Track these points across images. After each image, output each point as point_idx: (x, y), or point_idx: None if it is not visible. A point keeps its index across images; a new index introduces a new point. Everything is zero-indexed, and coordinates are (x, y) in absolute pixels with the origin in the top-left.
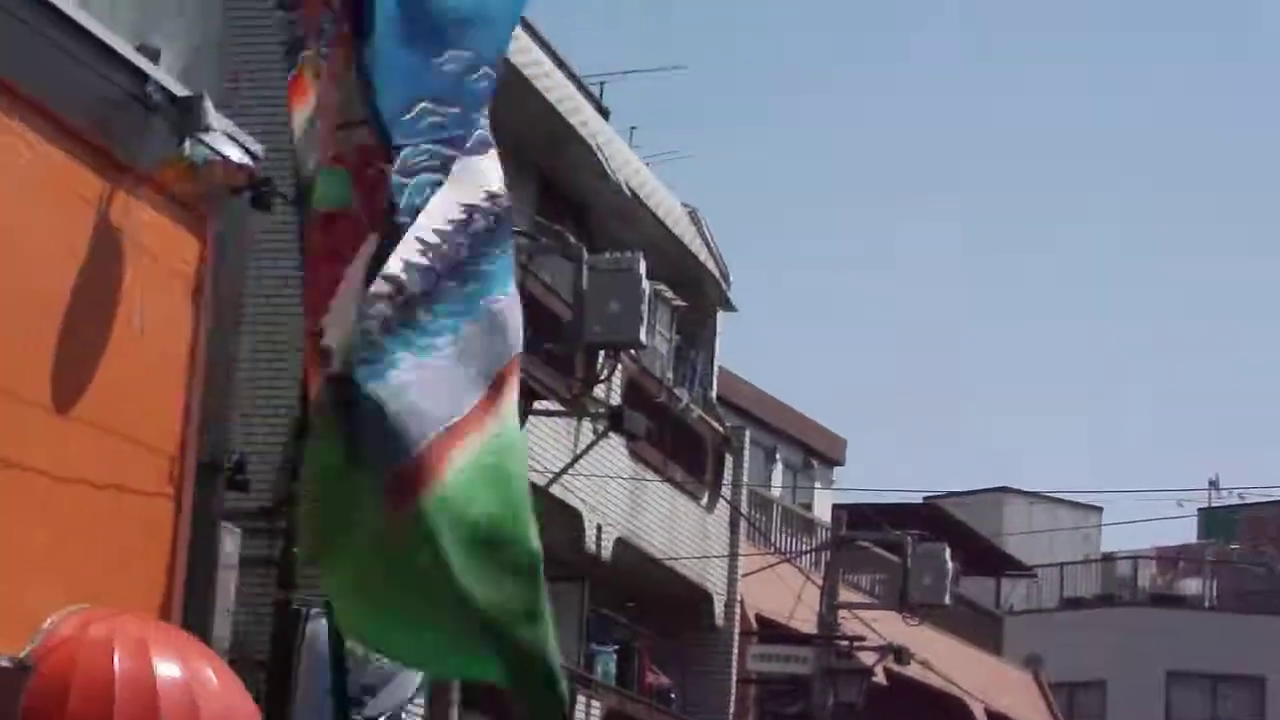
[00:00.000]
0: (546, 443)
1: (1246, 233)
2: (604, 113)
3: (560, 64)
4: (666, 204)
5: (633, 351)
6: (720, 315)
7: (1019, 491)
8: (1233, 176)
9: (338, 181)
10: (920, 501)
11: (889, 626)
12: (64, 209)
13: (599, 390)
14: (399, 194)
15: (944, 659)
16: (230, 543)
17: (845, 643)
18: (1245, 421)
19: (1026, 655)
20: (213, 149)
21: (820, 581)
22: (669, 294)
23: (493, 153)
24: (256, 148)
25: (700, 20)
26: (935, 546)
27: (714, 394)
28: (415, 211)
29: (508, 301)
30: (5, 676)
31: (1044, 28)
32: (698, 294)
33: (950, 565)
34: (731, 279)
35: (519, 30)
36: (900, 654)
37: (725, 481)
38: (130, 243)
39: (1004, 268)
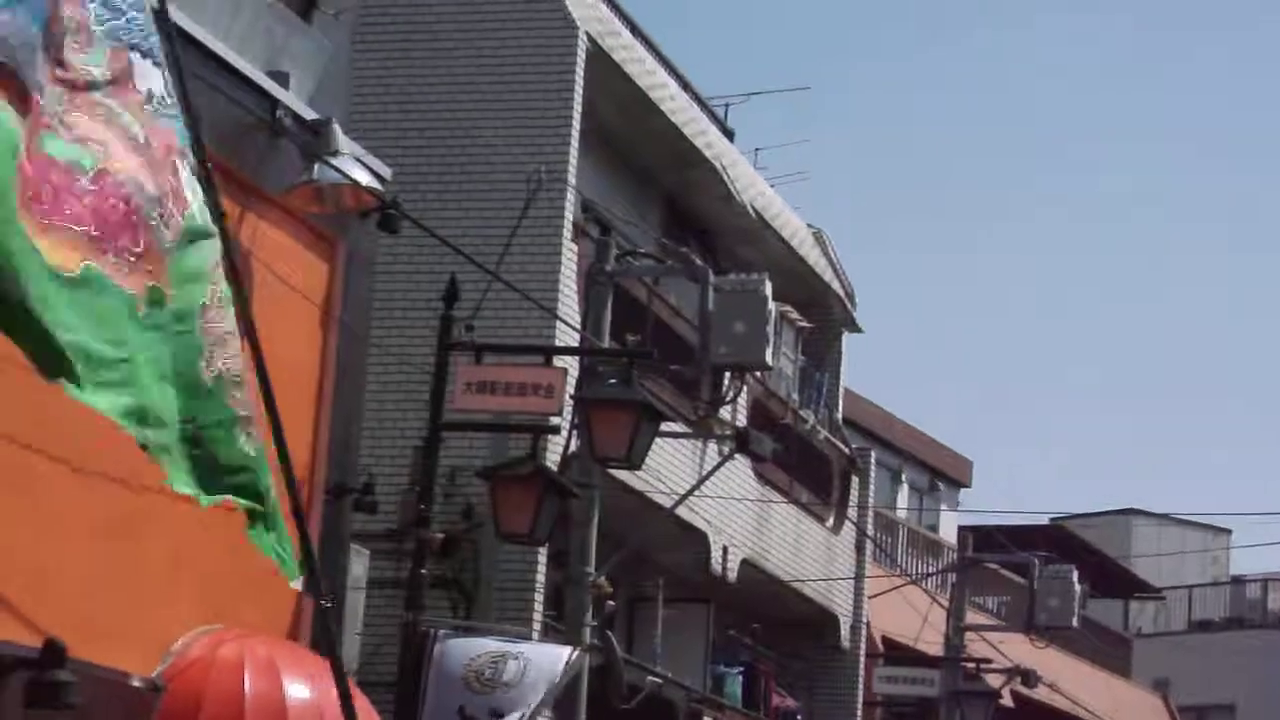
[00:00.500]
0: (673, 464)
1: None
2: (729, 134)
3: (685, 86)
4: (792, 225)
5: (758, 373)
6: (845, 336)
7: (1147, 513)
8: None
9: None
10: (1047, 523)
11: (1016, 649)
12: None
13: (724, 412)
14: None
15: (1071, 682)
16: (358, 564)
17: (972, 665)
18: None
19: (1155, 678)
20: (341, 172)
21: (946, 603)
22: (794, 315)
23: None
24: (384, 170)
25: (823, 40)
26: (1062, 568)
27: (839, 415)
28: None
29: None
30: (138, 696)
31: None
32: (823, 315)
33: (1077, 587)
34: (857, 299)
35: (644, 52)
36: (1027, 676)
37: (851, 503)
38: (260, 266)
39: (1134, 285)
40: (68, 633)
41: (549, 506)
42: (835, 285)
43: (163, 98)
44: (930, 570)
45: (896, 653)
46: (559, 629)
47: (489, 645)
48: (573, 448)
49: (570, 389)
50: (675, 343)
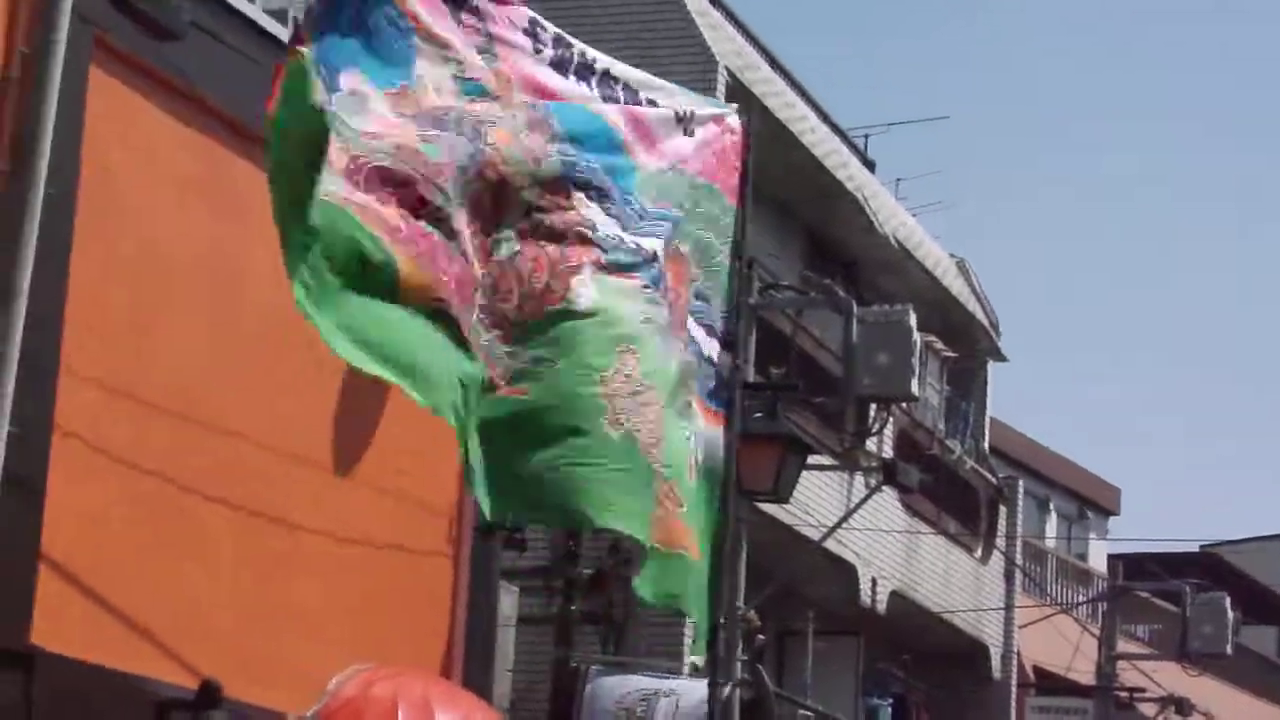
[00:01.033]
0: (820, 497)
1: None
2: (869, 165)
3: (825, 118)
4: (934, 255)
5: (904, 404)
6: (991, 365)
7: None
8: None
9: None
10: (1197, 550)
11: (1169, 677)
12: None
13: (871, 443)
14: None
15: (1226, 710)
16: (508, 601)
17: (1125, 694)
18: None
19: None
20: None
21: (1097, 632)
22: (939, 345)
23: None
24: None
25: (962, 69)
26: (1215, 595)
27: (986, 445)
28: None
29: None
30: None
31: None
32: (968, 344)
33: (1231, 614)
34: (1001, 328)
35: (783, 85)
36: (1182, 705)
37: (999, 533)
38: None
39: None
40: (223, 672)
41: None
42: (979, 314)
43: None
44: (1080, 599)
45: (1048, 682)
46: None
47: (640, 681)
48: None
49: None
50: (820, 375)
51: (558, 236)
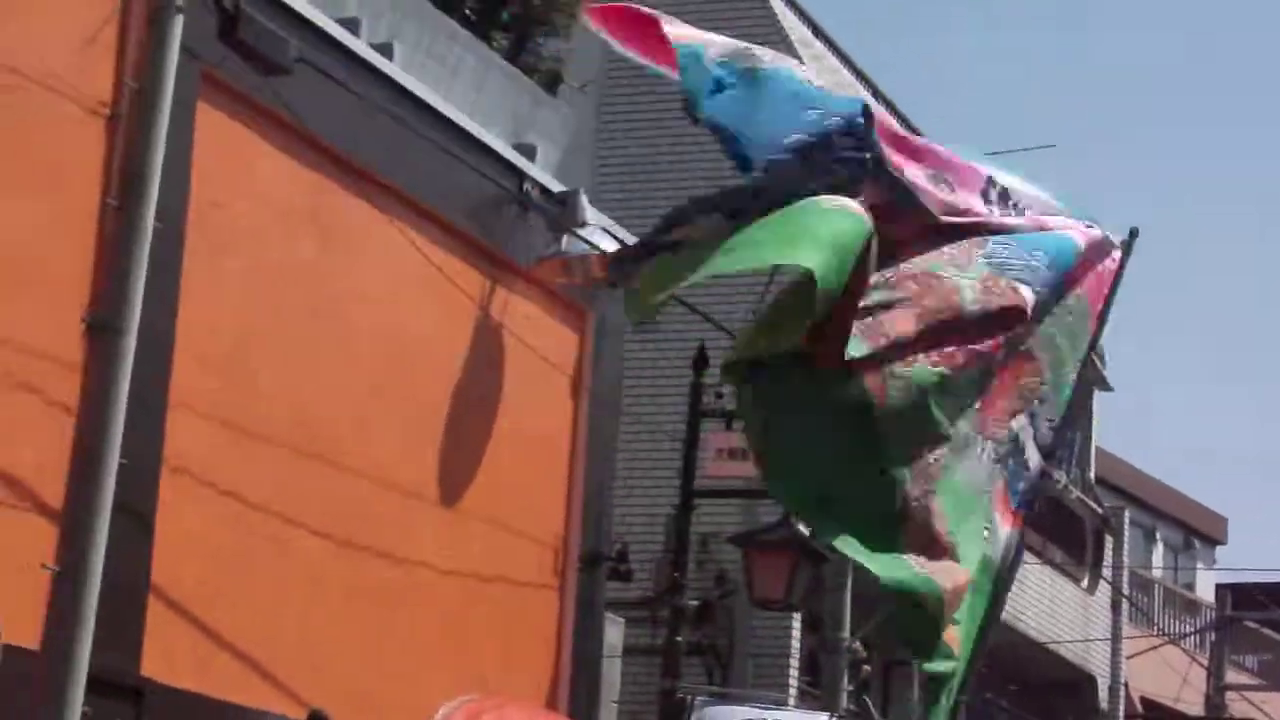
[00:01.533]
0: None
1: None
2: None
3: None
4: None
5: None
6: (1097, 394)
7: None
8: None
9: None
10: None
11: (1279, 708)
12: (447, 306)
13: None
14: None
15: None
16: (614, 632)
17: None
18: None
19: None
20: (588, 243)
21: (1206, 663)
22: None
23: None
24: (631, 240)
25: (1069, 91)
26: None
27: (1092, 474)
28: None
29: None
30: None
31: None
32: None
33: None
34: (1107, 358)
35: (887, 115)
36: None
37: (1105, 563)
38: (510, 337)
39: None
40: (330, 703)
41: (802, 572)
42: None
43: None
44: (1188, 629)
45: (1156, 713)
46: (815, 694)
47: (747, 713)
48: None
49: None
50: None
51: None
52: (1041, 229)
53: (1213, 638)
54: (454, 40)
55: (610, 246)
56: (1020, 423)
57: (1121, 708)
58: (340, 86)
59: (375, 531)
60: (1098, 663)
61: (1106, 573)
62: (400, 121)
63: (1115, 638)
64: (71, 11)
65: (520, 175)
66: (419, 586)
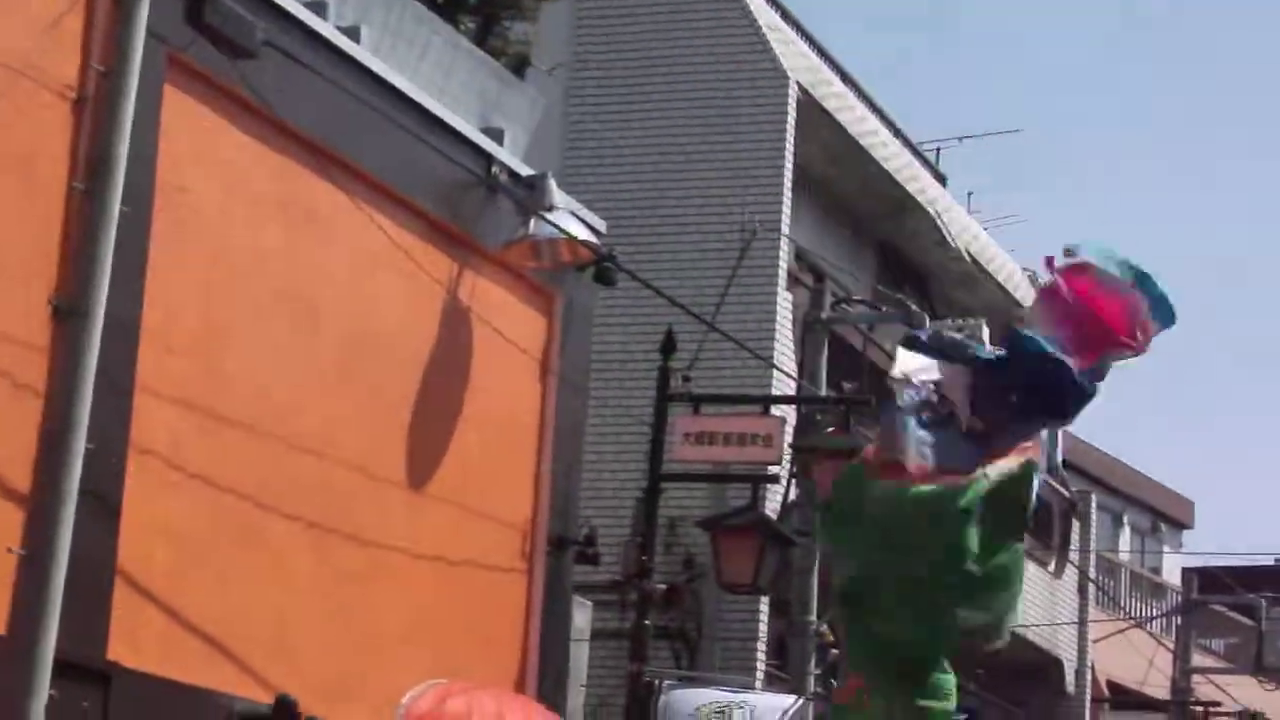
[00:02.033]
0: None
1: None
2: (941, 179)
3: (896, 131)
4: (1008, 269)
5: None
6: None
7: None
8: None
9: None
10: (1273, 562)
11: (1245, 691)
12: (415, 290)
13: None
14: None
15: None
16: (581, 616)
17: (1200, 708)
18: None
19: None
20: (557, 227)
21: (1172, 646)
22: None
23: None
24: (599, 224)
25: (1034, 81)
26: None
27: (1060, 459)
28: None
29: None
30: None
31: None
32: None
33: None
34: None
35: (854, 100)
36: (1257, 719)
37: (1073, 547)
38: (478, 321)
39: None
40: (298, 687)
41: (770, 556)
42: None
43: None
44: (1154, 613)
45: (1122, 697)
46: (783, 678)
47: (714, 695)
48: (792, 496)
49: (789, 437)
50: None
51: None
52: None
53: (1179, 621)
54: (421, 23)
55: (578, 229)
56: None
57: (1088, 691)
58: (307, 70)
59: (342, 515)
60: (1064, 646)
61: (1074, 556)
62: (368, 105)
63: (1082, 621)
64: None
65: (488, 159)
66: (386, 570)
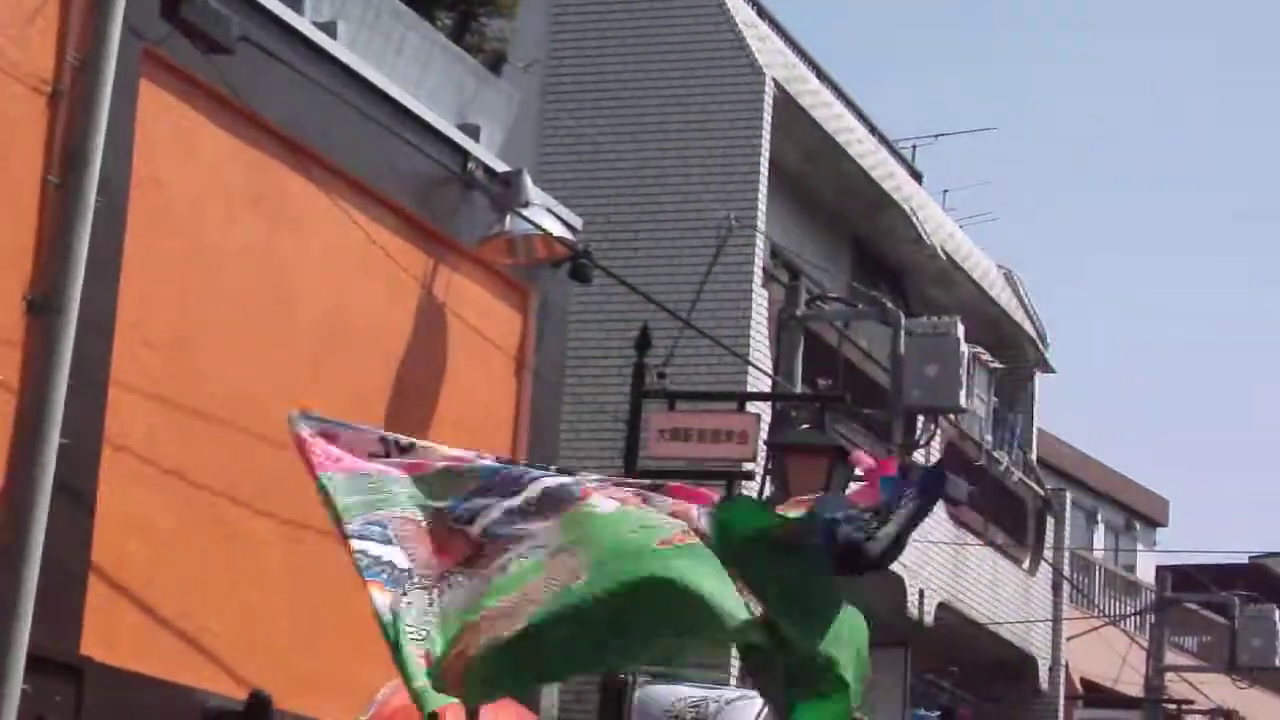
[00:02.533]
0: None
1: None
2: (916, 176)
3: (872, 129)
4: (982, 266)
5: (952, 415)
6: (1038, 376)
7: None
8: None
9: None
10: (1246, 561)
11: (1218, 689)
12: (390, 286)
13: (918, 455)
14: None
15: None
16: None
17: (1173, 706)
18: None
19: None
20: (532, 223)
21: (1145, 644)
22: (986, 357)
23: None
24: (575, 220)
25: (1010, 80)
26: (1264, 607)
27: (1034, 456)
28: None
29: None
30: None
31: None
32: (1015, 356)
33: None
34: (1049, 340)
35: (830, 96)
36: (1230, 717)
37: (1046, 544)
38: (453, 317)
39: None
40: (272, 683)
41: None
42: (1027, 326)
43: None
44: (1128, 611)
45: (1096, 694)
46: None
47: (688, 691)
48: (767, 493)
49: (763, 434)
50: (867, 386)
51: None
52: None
53: (1153, 619)
54: (398, 19)
55: (554, 226)
56: None
57: (1062, 688)
58: (283, 65)
59: (317, 511)
60: (1038, 644)
61: (1048, 554)
62: (343, 100)
63: (1056, 619)
64: None
65: (464, 155)
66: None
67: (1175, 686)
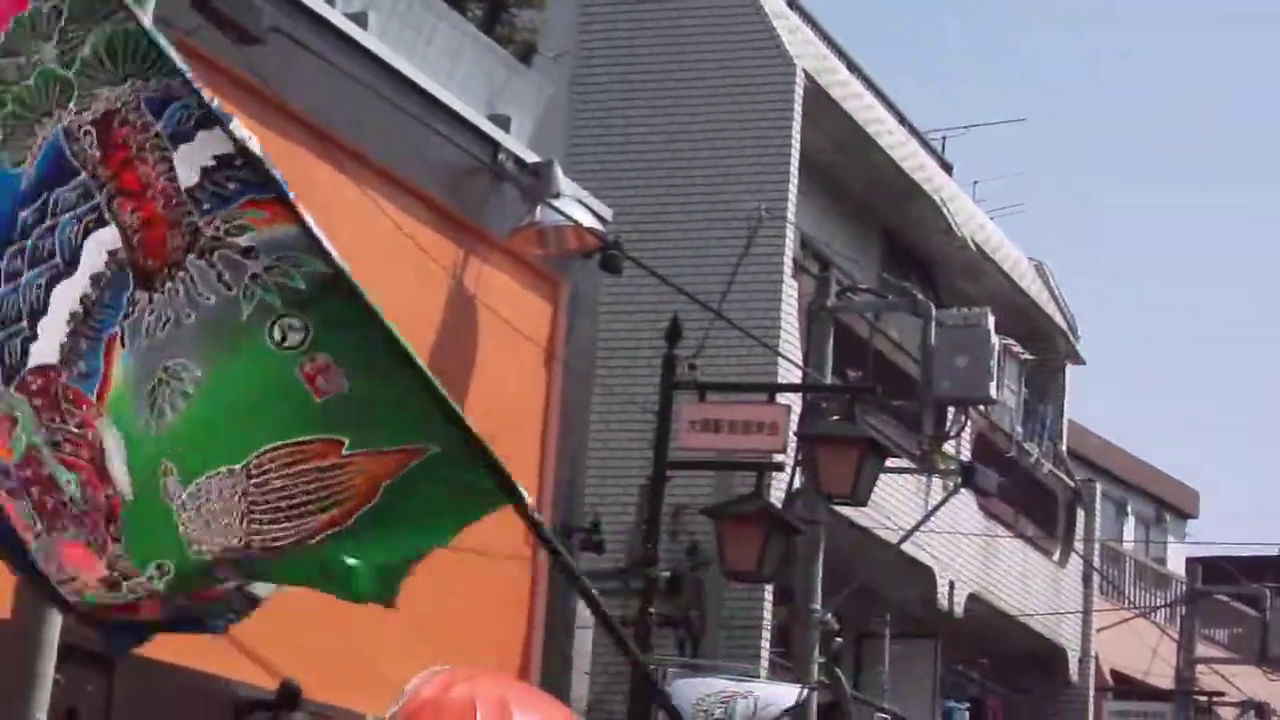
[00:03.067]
0: (897, 500)
1: None
2: (947, 168)
3: (902, 120)
4: (1013, 258)
5: (982, 407)
6: (1069, 368)
7: None
8: None
9: None
10: (1277, 553)
11: (1249, 682)
12: (420, 277)
13: (948, 446)
14: None
15: None
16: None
17: (1204, 698)
18: None
19: None
20: (563, 214)
21: (1176, 636)
22: (1017, 348)
23: None
24: (605, 211)
25: (1041, 70)
26: None
27: (1064, 448)
28: None
29: None
30: None
31: None
32: (1046, 347)
33: None
34: (1080, 331)
35: (860, 88)
36: (1262, 710)
37: (1076, 536)
38: (483, 308)
39: None
40: (302, 673)
41: (775, 544)
42: (1057, 318)
43: None
44: (1159, 603)
45: (1126, 686)
46: (786, 666)
47: (718, 684)
48: (797, 484)
49: (794, 426)
50: (897, 377)
51: None
52: None
53: (1183, 611)
54: (428, 10)
55: (584, 217)
56: None
57: (1091, 680)
58: (314, 56)
59: None
60: (1068, 635)
61: (1078, 546)
62: (374, 91)
63: (1086, 610)
64: None
65: (494, 145)
66: None
67: (1206, 679)
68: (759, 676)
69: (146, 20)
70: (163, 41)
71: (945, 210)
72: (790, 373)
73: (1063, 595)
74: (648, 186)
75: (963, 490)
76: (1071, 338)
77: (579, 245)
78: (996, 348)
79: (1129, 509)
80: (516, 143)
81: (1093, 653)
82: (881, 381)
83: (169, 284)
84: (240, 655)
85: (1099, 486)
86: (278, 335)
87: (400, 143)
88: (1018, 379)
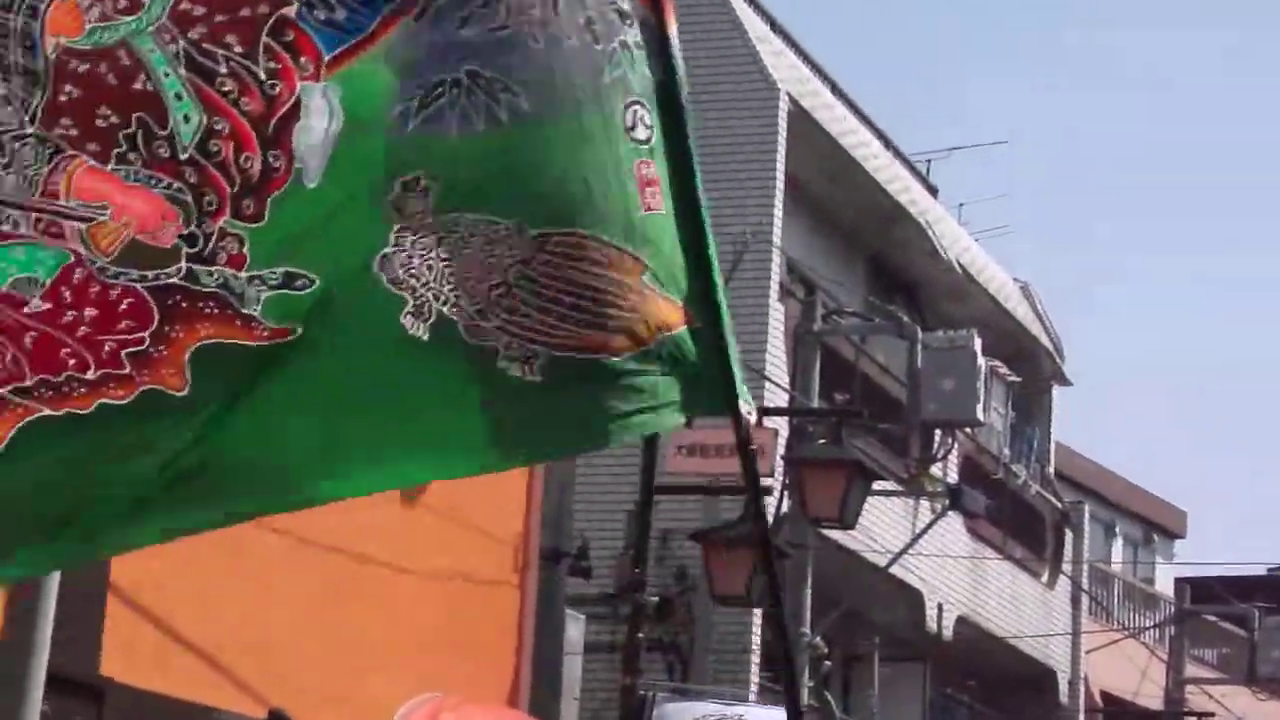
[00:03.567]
0: (885, 523)
1: None
2: (932, 190)
3: (886, 143)
4: (998, 280)
5: (969, 429)
6: (1055, 389)
7: None
8: None
9: None
10: (1265, 573)
11: (1238, 702)
12: None
13: (936, 469)
14: None
15: None
16: (574, 629)
17: (1193, 719)
18: None
19: None
20: None
21: (1165, 657)
22: (1003, 370)
23: None
24: None
25: (1019, 95)
26: None
27: (1051, 469)
28: None
29: None
30: None
31: None
32: (1032, 369)
33: None
34: (1065, 353)
35: (844, 111)
36: None
37: (1065, 558)
38: None
39: None
40: (290, 702)
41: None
42: (1043, 339)
43: None
44: (1148, 623)
45: (1116, 708)
46: (775, 690)
47: (707, 708)
48: (784, 509)
49: (781, 449)
50: (884, 401)
51: None
52: None
53: (1172, 631)
54: None
55: None
56: None
57: (1081, 702)
58: None
59: (333, 529)
60: (1058, 657)
61: (1066, 567)
62: None
63: (1075, 632)
64: None
65: None
66: (378, 584)
67: (1195, 699)
68: (748, 700)
69: None
70: None
71: (930, 233)
72: (777, 396)
73: (1052, 617)
74: None
75: (950, 513)
76: (1058, 359)
77: None
78: (983, 370)
79: (1117, 530)
80: None
81: (1082, 674)
82: (868, 404)
83: None
84: (229, 684)
85: (1087, 508)
86: (629, 120)
87: None
88: (1004, 401)
